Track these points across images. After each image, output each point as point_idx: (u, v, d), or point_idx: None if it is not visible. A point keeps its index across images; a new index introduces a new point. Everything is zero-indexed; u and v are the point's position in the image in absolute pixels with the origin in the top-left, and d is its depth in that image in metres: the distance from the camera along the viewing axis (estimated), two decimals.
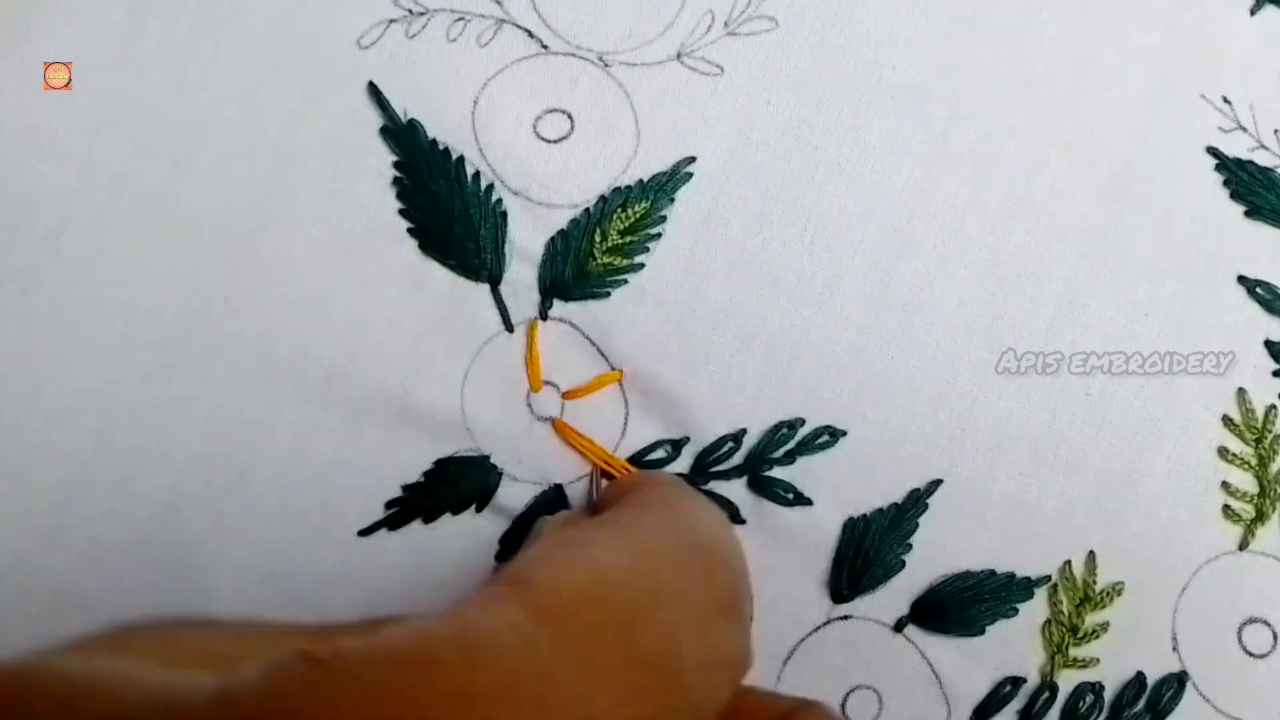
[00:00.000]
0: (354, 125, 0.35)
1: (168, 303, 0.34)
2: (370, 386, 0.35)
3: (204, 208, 0.35)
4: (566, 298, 0.36)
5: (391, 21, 0.36)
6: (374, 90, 0.35)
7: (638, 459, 0.36)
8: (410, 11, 0.36)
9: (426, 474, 0.35)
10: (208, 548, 0.34)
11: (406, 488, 0.35)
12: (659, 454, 0.36)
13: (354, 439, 0.35)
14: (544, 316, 0.36)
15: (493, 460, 0.35)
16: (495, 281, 0.35)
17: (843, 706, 0.35)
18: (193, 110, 0.35)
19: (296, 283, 0.35)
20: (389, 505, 0.35)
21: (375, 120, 0.35)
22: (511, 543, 0.35)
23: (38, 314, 0.34)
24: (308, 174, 0.35)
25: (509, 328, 0.35)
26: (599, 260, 0.36)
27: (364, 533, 0.35)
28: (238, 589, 0.34)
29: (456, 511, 0.35)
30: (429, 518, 0.35)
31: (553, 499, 0.35)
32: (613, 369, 0.36)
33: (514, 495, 0.35)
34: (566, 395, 0.36)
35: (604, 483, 0.35)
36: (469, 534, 0.35)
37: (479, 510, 0.35)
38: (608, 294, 0.36)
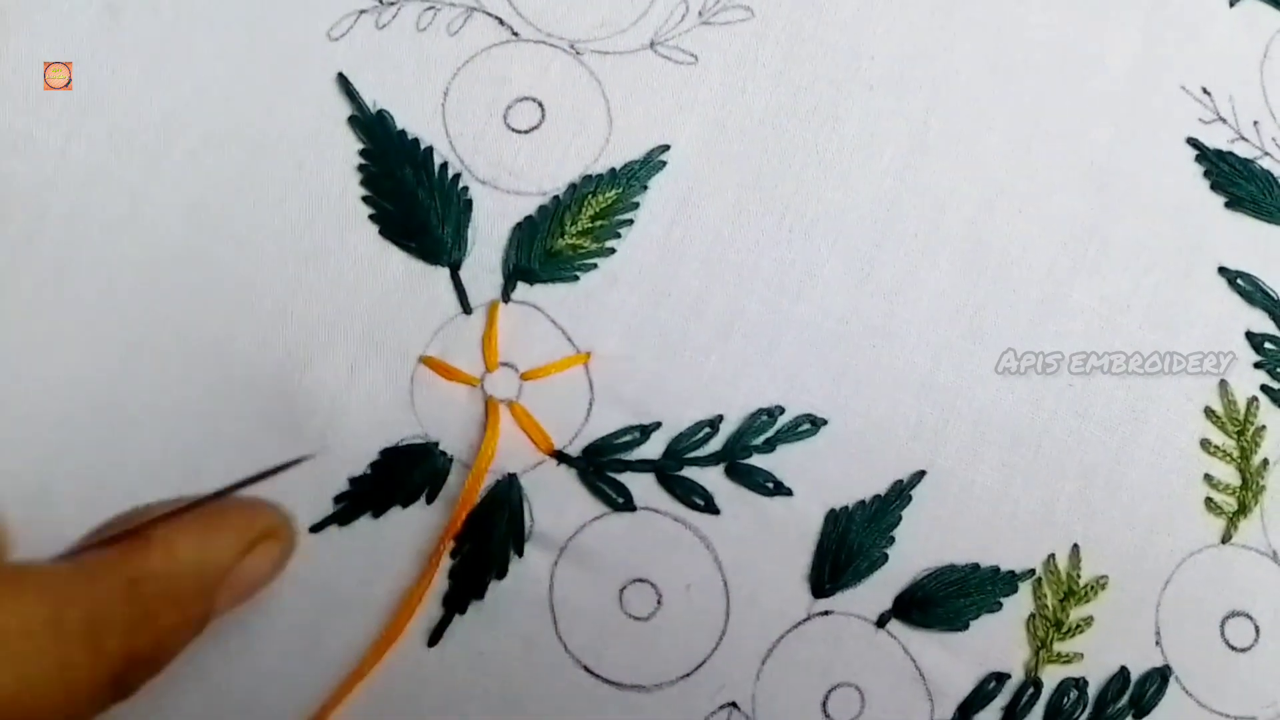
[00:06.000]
0: (323, 116, 0.35)
1: (135, 299, 0.34)
2: (319, 377, 0.34)
3: (175, 202, 0.34)
4: (532, 282, 0.35)
5: (362, 12, 0.36)
6: (344, 81, 0.35)
7: (603, 444, 0.35)
8: (380, 1, 0.36)
9: (373, 465, 0.34)
10: None
11: (354, 480, 0.34)
12: (627, 439, 0.35)
13: (301, 432, 0.34)
14: (506, 299, 0.35)
15: (442, 447, 0.34)
16: (456, 266, 0.35)
17: (824, 705, 0.35)
18: (167, 106, 0.35)
19: (260, 273, 0.34)
20: (337, 500, 0.34)
21: (345, 110, 0.35)
22: (466, 540, 0.34)
23: (11, 312, 0.34)
24: (276, 165, 0.35)
25: (467, 310, 0.35)
26: (568, 241, 0.35)
27: (315, 529, 0.34)
28: None
29: (406, 504, 0.34)
30: (377, 511, 0.34)
31: (508, 489, 0.34)
32: (579, 353, 0.35)
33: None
34: (525, 376, 0.35)
35: None
36: (421, 530, 0.34)
37: (430, 501, 0.34)
38: (576, 277, 0.35)
